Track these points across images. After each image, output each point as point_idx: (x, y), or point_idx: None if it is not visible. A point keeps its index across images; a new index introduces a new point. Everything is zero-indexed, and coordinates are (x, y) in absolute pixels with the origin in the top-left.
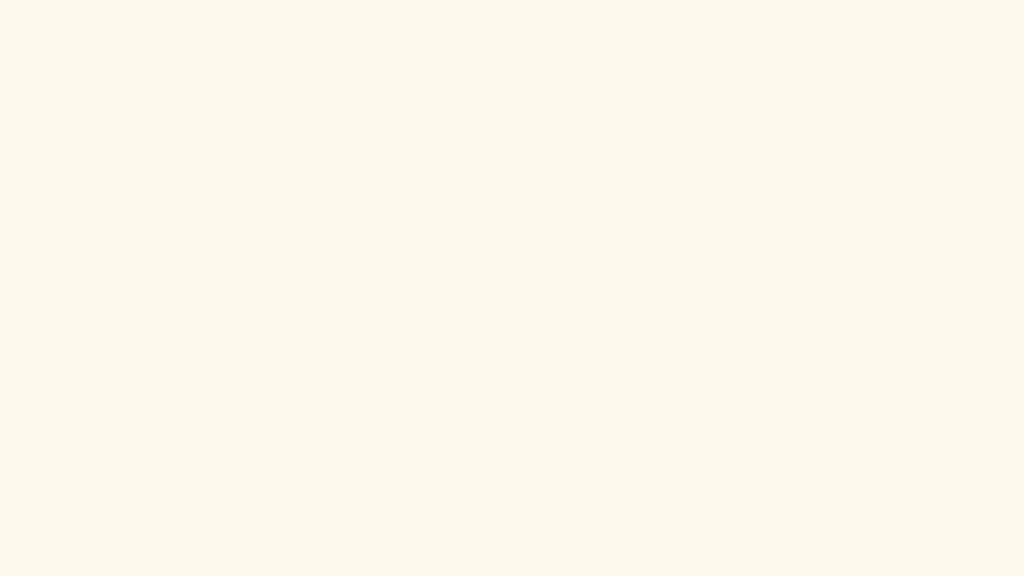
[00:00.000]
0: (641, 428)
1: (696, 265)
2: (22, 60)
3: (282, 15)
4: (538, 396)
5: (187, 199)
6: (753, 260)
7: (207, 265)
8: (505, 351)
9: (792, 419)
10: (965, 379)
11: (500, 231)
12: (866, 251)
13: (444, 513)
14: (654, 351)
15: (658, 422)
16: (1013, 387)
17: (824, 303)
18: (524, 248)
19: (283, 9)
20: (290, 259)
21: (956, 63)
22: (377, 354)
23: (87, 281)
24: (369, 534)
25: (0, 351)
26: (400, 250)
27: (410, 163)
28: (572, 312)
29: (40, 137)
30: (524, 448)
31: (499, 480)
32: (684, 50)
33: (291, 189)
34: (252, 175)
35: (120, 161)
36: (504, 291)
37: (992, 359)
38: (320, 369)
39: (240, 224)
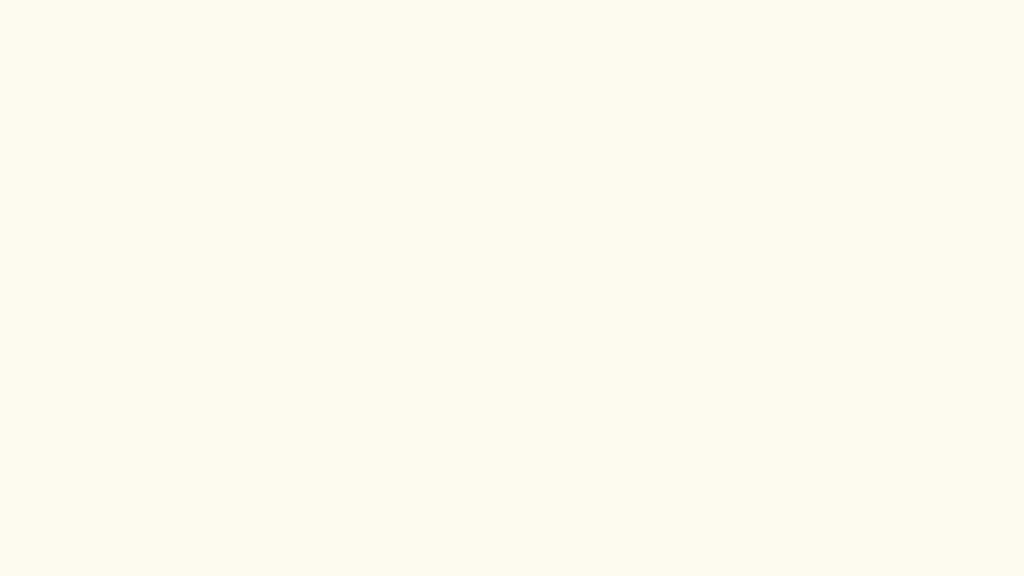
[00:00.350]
0: (641, 428)
1: (696, 265)
2: (22, 60)
3: (282, 15)
4: (538, 395)
5: (187, 199)
6: (753, 260)
7: (207, 265)
8: (505, 351)
9: (792, 419)
10: (965, 379)
11: (500, 231)
12: (866, 251)
13: (444, 513)
14: (654, 351)
15: (658, 422)
16: (1013, 387)
17: (825, 303)
18: (524, 248)
19: (283, 9)
20: (290, 259)
21: (956, 63)
22: (377, 353)
23: (87, 281)
24: (369, 534)
25: (0, 351)
26: (400, 250)
27: (410, 163)
28: (572, 312)
29: (40, 137)
30: (524, 448)
31: (499, 480)
32: (684, 50)
33: (291, 189)
34: (252, 175)
35: (120, 161)
36: (504, 291)
37: (992, 359)
38: (320, 369)
39: (240, 224)
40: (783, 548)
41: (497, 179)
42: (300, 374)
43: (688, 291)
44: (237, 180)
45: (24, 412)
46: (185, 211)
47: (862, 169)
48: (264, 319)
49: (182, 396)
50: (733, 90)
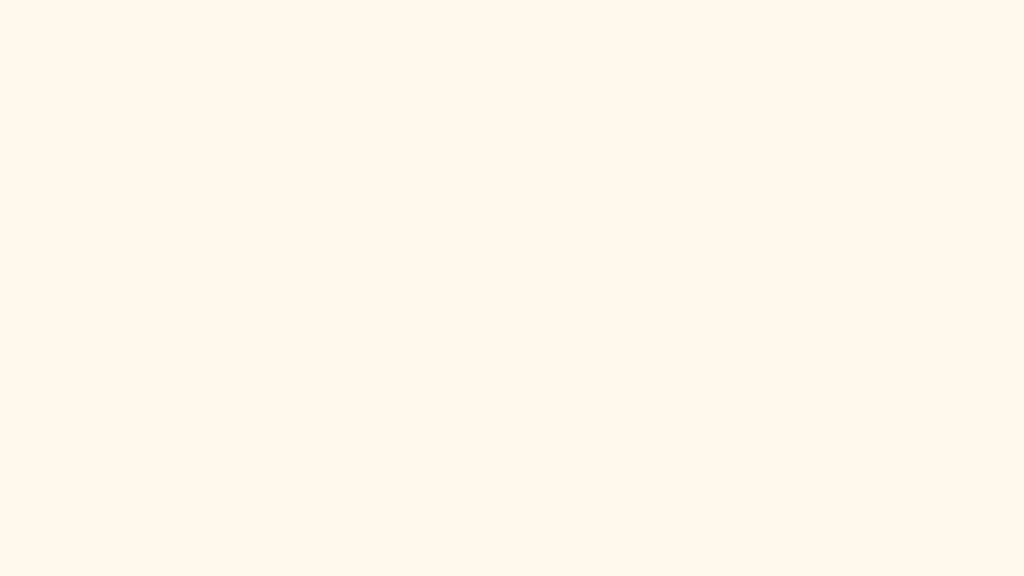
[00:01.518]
0: (641, 428)
1: (696, 265)
2: (22, 60)
3: (282, 15)
4: (538, 396)
5: (187, 199)
6: (753, 260)
7: (207, 265)
8: (505, 351)
9: (792, 419)
10: (965, 379)
11: (500, 231)
12: (866, 251)
13: (444, 513)
14: (654, 351)
15: (658, 422)
16: (1013, 387)
17: (825, 303)
18: (524, 248)
19: (283, 9)
20: (290, 259)
21: (956, 63)
22: (377, 354)
23: (87, 281)
24: (369, 534)
25: (1, 351)
26: (400, 250)
27: (410, 163)
28: (572, 312)
29: (40, 137)
30: (524, 448)
31: (499, 480)
32: (684, 50)
33: (291, 189)
34: (252, 175)
35: (120, 161)
36: (504, 291)
37: (992, 359)
38: (320, 369)
39: (240, 224)
40: (782, 548)
41: (497, 179)
42: (300, 373)
43: (688, 290)
44: (237, 180)
45: (24, 412)
46: (185, 211)
47: (862, 169)
48: (264, 318)
49: (182, 395)
50: (733, 90)
